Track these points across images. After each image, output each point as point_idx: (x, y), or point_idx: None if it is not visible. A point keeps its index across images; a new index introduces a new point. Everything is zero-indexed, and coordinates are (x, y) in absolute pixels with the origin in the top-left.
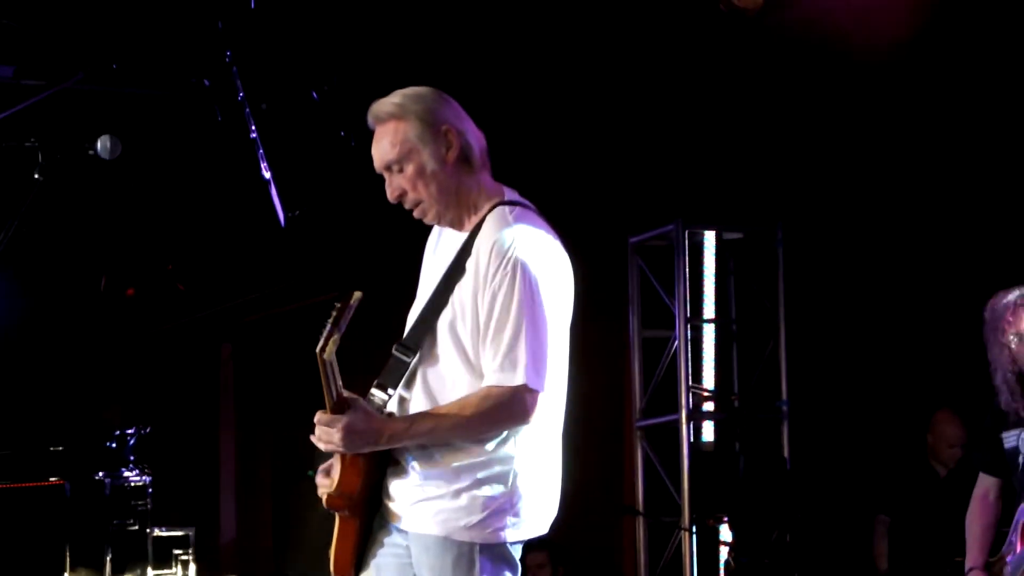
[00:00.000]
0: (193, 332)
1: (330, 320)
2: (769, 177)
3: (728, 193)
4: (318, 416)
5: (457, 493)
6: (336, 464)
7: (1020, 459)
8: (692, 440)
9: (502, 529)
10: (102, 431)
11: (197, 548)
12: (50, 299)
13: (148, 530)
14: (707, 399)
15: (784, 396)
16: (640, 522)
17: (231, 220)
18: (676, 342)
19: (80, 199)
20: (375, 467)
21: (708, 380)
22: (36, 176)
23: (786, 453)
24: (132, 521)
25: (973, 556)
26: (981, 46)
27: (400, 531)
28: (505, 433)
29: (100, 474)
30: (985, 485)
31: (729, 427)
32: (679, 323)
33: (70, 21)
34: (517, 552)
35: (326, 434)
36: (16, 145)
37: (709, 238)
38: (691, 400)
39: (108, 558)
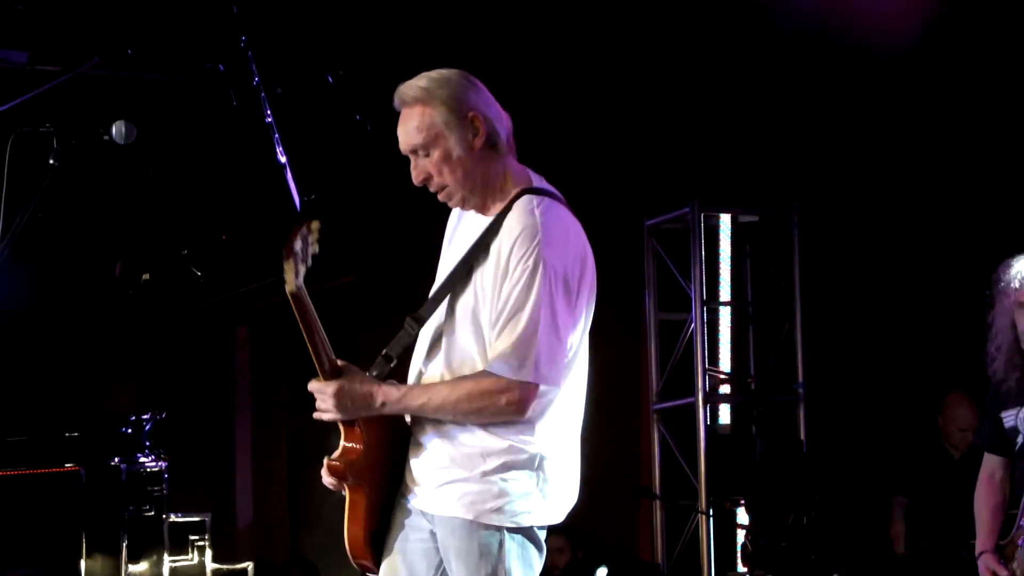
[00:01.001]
0: (208, 316)
1: (284, 259)
2: (784, 160)
3: (744, 176)
4: (311, 384)
5: (483, 476)
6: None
7: (1020, 439)
8: (709, 423)
9: (529, 513)
10: (117, 417)
11: (213, 534)
12: (65, 284)
13: (164, 516)
14: (723, 382)
15: (800, 379)
16: (657, 505)
17: (247, 205)
18: (692, 325)
19: (95, 184)
20: (381, 432)
21: (724, 363)
22: (51, 161)
23: (803, 436)
24: (148, 507)
25: (983, 540)
26: (998, 30)
27: (424, 515)
28: (530, 420)
29: (116, 460)
30: (991, 465)
31: (746, 410)
32: (695, 306)
33: (85, 6)
34: (542, 535)
35: (321, 400)
36: (31, 130)
37: (725, 220)
38: (707, 383)
39: (124, 544)
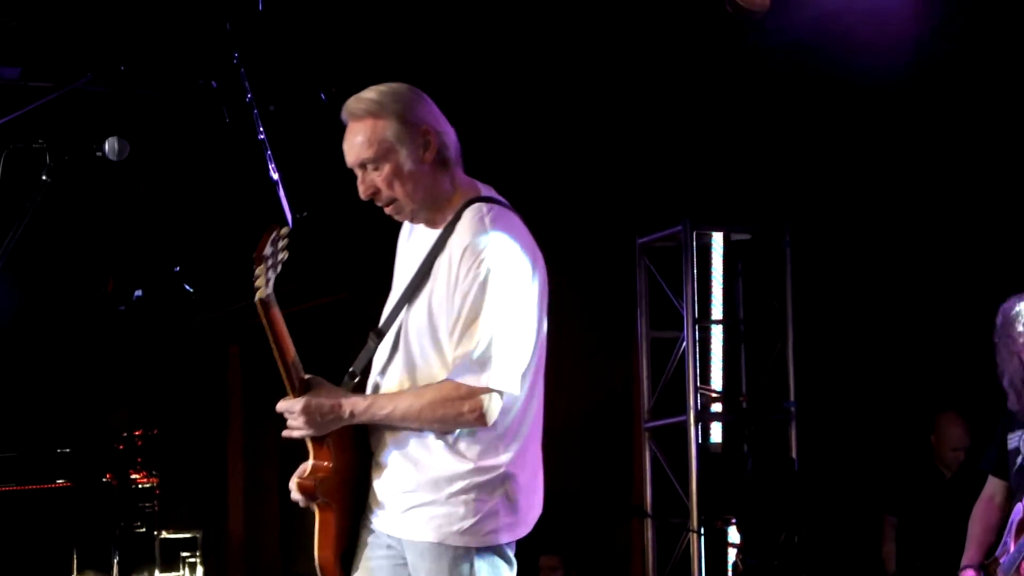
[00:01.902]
0: (201, 333)
1: (255, 264)
2: (777, 178)
3: (736, 194)
4: (280, 404)
5: (449, 498)
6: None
7: (1019, 459)
8: (700, 441)
9: (496, 531)
10: (109, 433)
11: (204, 550)
12: (57, 301)
13: (155, 532)
14: (715, 400)
15: (792, 397)
16: (648, 524)
17: (239, 221)
18: (684, 343)
19: (88, 201)
20: (349, 452)
21: (716, 381)
22: (43, 177)
23: (794, 454)
24: (139, 523)
25: (969, 554)
26: (991, 49)
27: (391, 536)
28: (493, 436)
29: (107, 476)
30: (992, 487)
31: (737, 428)
32: (687, 324)
33: (77, 22)
34: (511, 550)
35: (292, 418)
36: (24, 146)
37: (717, 239)
38: (699, 401)
39: (115, 560)
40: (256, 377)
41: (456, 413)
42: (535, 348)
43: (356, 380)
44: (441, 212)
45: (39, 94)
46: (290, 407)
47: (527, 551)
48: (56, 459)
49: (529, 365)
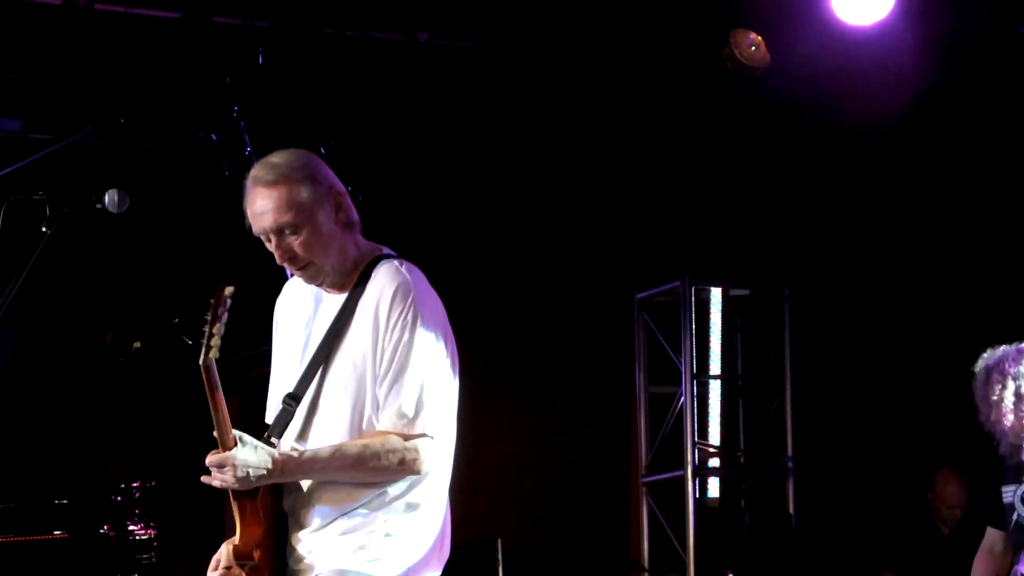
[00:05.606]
0: (199, 385)
1: (206, 326)
2: (776, 234)
3: (734, 250)
4: (209, 457)
5: (363, 535)
6: (236, 520)
7: (1014, 516)
8: (698, 496)
9: (403, 562)
10: (107, 485)
11: None
12: (56, 352)
13: None
14: (713, 455)
15: (790, 452)
16: None
17: (238, 274)
18: (682, 398)
19: (87, 252)
20: (275, 515)
21: (714, 436)
22: (43, 229)
23: (791, 509)
24: (137, 575)
25: None
26: (987, 107)
27: None
28: (407, 479)
29: (105, 528)
30: (991, 539)
31: (735, 483)
32: (685, 379)
33: (78, 75)
34: None
35: (219, 472)
36: (24, 198)
37: (715, 294)
38: (697, 456)
39: None
40: (255, 430)
41: (393, 463)
42: (452, 396)
43: (275, 446)
44: (348, 274)
45: (40, 146)
46: (222, 460)
47: None
48: (54, 510)
49: (446, 412)
